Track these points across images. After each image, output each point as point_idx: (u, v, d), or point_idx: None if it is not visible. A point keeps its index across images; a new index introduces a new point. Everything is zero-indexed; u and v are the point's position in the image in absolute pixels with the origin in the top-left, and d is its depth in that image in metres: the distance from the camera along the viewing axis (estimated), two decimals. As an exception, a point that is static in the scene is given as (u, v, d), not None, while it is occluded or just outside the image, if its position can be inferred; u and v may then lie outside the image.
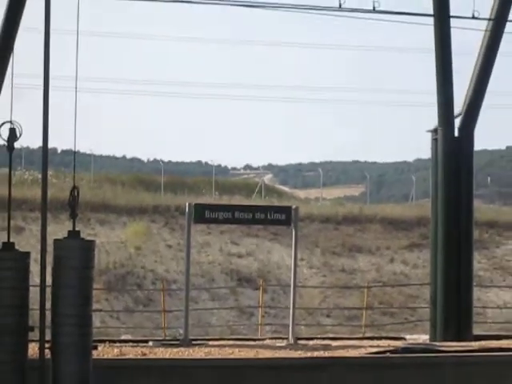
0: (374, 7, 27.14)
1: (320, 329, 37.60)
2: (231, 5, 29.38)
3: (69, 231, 10.23)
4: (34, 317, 9.99)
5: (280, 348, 25.74)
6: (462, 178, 28.13)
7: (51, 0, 10.40)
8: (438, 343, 26.31)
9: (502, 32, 27.68)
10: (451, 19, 27.18)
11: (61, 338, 10.19)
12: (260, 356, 24.00)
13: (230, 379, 20.92)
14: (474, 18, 27.34)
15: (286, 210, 29.37)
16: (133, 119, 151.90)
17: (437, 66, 27.42)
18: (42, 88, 9.97)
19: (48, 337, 10.07)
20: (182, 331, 27.32)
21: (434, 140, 27.96)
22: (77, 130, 10.59)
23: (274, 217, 29.80)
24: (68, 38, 10.83)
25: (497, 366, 23.07)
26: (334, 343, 27.48)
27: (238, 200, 47.52)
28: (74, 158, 11.01)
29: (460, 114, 27.73)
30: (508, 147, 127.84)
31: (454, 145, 27.80)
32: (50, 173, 9.54)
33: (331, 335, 33.11)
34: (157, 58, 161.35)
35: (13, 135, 10.38)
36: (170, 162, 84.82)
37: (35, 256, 10.09)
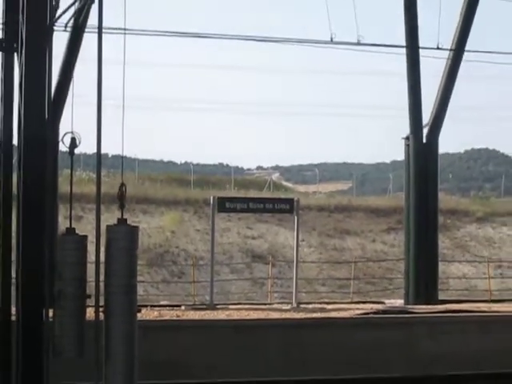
0: (358, 40, 27.10)
1: (317, 295, 37.39)
2: (229, 39, 29.52)
3: (118, 219, 10.15)
4: (90, 287, 9.91)
5: (285, 311, 25.65)
6: (429, 175, 28.02)
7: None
8: (410, 306, 26.21)
9: (461, 60, 27.57)
10: (420, 49, 27.08)
11: (112, 303, 10.08)
12: (269, 317, 23.95)
13: (245, 335, 20.84)
14: (438, 48, 27.24)
15: (290, 201, 29.33)
16: (168, 130, 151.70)
17: (408, 87, 27.32)
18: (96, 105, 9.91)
19: (102, 302, 9.99)
20: (208, 297, 27.20)
21: (407, 145, 27.85)
22: (124, 138, 10.55)
23: (280, 206, 29.86)
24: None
25: (458, 323, 22.96)
26: (328, 307, 27.38)
27: (251, 194, 47.30)
28: (122, 161, 10.96)
29: (427, 125, 27.61)
30: (465, 151, 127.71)
31: (423, 149, 27.68)
32: (102, 173, 9.46)
33: (326, 300, 32.93)
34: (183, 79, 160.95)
35: (73, 143, 10.31)
36: (198, 163, 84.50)
37: (91, 238, 10.01)
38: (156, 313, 22.94)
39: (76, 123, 10.41)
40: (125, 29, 10.84)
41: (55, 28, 10.62)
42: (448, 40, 27.36)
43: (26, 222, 9.98)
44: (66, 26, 15.83)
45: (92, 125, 10.11)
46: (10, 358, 13.45)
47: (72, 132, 10.26)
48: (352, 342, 20.81)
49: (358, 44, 27.34)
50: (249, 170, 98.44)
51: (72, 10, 11.38)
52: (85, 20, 14.99)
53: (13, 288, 11.98)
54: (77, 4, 11.04)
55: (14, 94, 12.40)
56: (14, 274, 11.29)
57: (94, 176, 10.43)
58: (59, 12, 10.65)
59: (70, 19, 13.57)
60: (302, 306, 27.03)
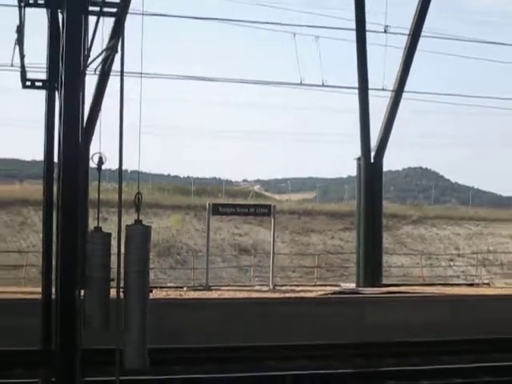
0: (322, 82, 27.13)
1: (288, 280, 37.41)
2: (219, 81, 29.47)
3: (135, 220, 10.14)
4: (113, 272, 9.91)
5: (264, 291, 25.65)
6: (375, 187, 28.04)
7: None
8: (360, 288, 26.23)
9: (400, 99, 27.62)
10: (369, 90, 27.12)
11: (129, 285, 10.07)
12: (252, 296, 23.95)
13: (233, 310, 20.84)
14: (383, 89, 27.29)
15: (268, 207, 29.33)
16: (173, 152, 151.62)
17: (360, 119, 27.33)
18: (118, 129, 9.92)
19: (122, 284, 9.99)
20: (204, 281, 27.17)
21: (359, 164, 27.86)
22: (140, 158, 10.58)
23: (260, 211, 29.92)
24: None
25: (397, 302, 23.02)
26: (297, 288, 27.39)
27: (238, 201, 47.33)
28: (138, 175, 10.96)
29: (374, 148, 27.64)
30: (403, 168, 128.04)
31: (371, 167, 27.69)
32: (123, 184, 9.50)
33: (296, 283, 32.94)
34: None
35: (100, 161, 10.29)
36: (197, 177, 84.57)
37: (114, 235, 10.02)
38: (164, 293, 22.94)
39: (103, 146, 10.41)
40: (141, 73, 10.80)
41: (87, 72, 10.59)
42: (391, 83, 27.47)
43: (64, 222, 9.97)
44: (95, 71, 15.78)
45: (115, 147, 10.13)
46: (50, 329, 13.44)
47: (99, 153, 10.25)
48: (316, 316, 20.84)
49: (323, 85, 27.37)
50: (236, 182, 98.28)
51: (100, 59, 11.35)
52: (110, 66, 14.96)
53: (53, 273, 11.99)
54: (104, 53, 11.03)
55: (54, 123, 12.39)
56: (53, 263, 11.27)
57: (117, 186, 10.38)
58: (90, 60, 10.62)
59: (99, 65, 13.52)
60: (277, 287, 27.07)
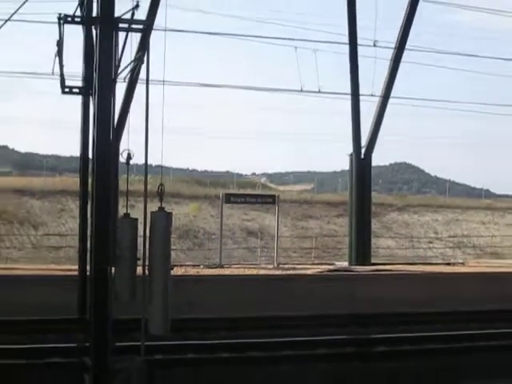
0: (319, 89, 27.13)
1: (290, 259, 37.42)
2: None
3: (158, 207, 10.14)
4: (139, 253, 9.91)
5: (269, 269, 25.66)
6: (365, 180, 28.00)
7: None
8: (352, 266, 26.23)
9: (387, 103, 27.55)
10: (360, 96, 27.08)
11: (154, 263, 10.09)
12: (259, 273, 23.97)
13: (242, 284, 20.87)
14: (372, 95, 27.26)
15: (273, 196, 29.53)
16: (192, 149, 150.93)
17: (352, 121, 27.29)
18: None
19: (147, 263, 10.00)
20: (218, 260, 27.19)
21: (351, 160, 27.80)
22: (163, 154, 10.58)
23: (266, 200, 30.09)
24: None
25: (383, 278, 23.05)
26: (298, 266, 27.40)
27: (247, 191, 47.45)
28: (161, 169, 10.97)
29: (364, 146, 27.58)
30: (390, 164, 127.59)
31: (361, 162, 27.62)
32: (148, 177, 9.49)
33: (296, 262, 32.96)
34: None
35: (129, 157, 10.28)
36: (212, 171, 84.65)
37: (141, 220, 10.03)
38: (183, 269, 22.97)
39: (131, 144, 10.40)
40: (164, 81, 10.79)
41: (117, 80, 10.58)
42: (379, 89, 27.41)
43: (97, 209, 9.97)
44: (124, 79, 15.76)
45: (141, 144, 10.12)
46: (85, 302, 13.46)
47: (128, 149, 10.24)
48: (313, 290, 20.83)
49: (319, 92, 27.35)
50: (246, 175, 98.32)
51: (128, 68, 11.34)
52: (137, 74, 14.95)
53: (88, 254, 12.00)
54: (132, 64, 11.01)
55: (89, 124, 12.38)
56: (88, 244, 11.27)
57: (143, 178, 10.36)
58: (120, 69, 10.61)
59: (127, 74, 13.52)
60: (281, 265, 27.09)
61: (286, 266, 27.23)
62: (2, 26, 11.60)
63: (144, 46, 10.44)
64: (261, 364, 13.27)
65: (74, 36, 13.82)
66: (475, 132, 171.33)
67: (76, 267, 16.29)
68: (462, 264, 30.74)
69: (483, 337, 15.71)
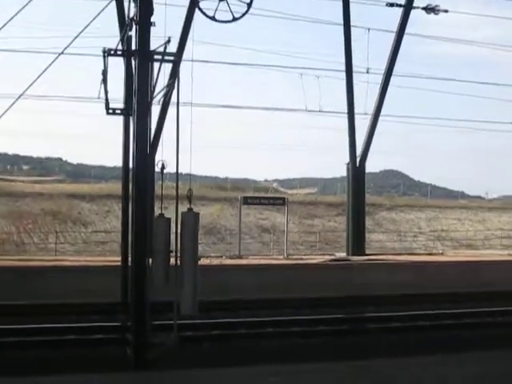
0: (320, 109, 27.16)
1: (297, 251, 37.24)
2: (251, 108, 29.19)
3: (188, 208, 10.12)
4: (172, 246, 9.90)
5: (280, 259, 25.64)
6: (360, 184, 27.90)
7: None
8: (349, 257, 26.16)
9: (377, 121, 27.46)
10: (355, 115, 27.04)
11: (184, 255, 10.07)
12: (271, 263, 23.94)
13: (258, 272, 20.83)
14: (365, 114, 27.21)
15: (283, 199, 29.51)
16: (217, 158, 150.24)
17: (349, 135, 27.23)
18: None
19: (178, 255, 9.99)
20: (237, 252, 27.20)
21: (348, 168, 27.71)
22: (191, 163, 10.61)
23: (277, 201, 30.04)
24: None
25: (376, 266, 22.97)
26: (304, 257, 27.39)
27: (261, 194, 47.42)
28: (189, 177, 10.96)
29: (359, 156, 27.49)
30: (380, 170, 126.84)
31: (356, 170, 27.52)
32: (179, 183, 9.49)
33: (303, 254, 32.89)
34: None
35: (163, 167, 10.28)
36: (232, 177, 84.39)
37: (173, 219, 10.03)
38: (208, 260, 22.93)
39: (164, 155, 10.43)
40: (191, 103, 10.80)
41: (152, 103, 10.61)
42: (372, 108, 27.36)
43: (137, 210, 9.99)
44: (158, 102, 15.81)
45: (173, 156, 10.13)
46: (127, 287, 13.46)
47: (162, 160, 10.24)
48: (317, 276, 20.79)
49: (320, 111, 27.35)
50: (260, 181, 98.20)
51: (162, 93, 11.35)
52: (169, 98, 14.95)
53: (129, 247, 12.01)
54: (164, 89, 11.02)
55: (129, 139, 12.40)
56: (129, 240, 11.29)
57: (175, 184, 10.35)
58: (155, 94, 10.62)
59: (161, 98, 13.54)
60: (290, 256, 27.06)
61: (294, 257, 27.21)
62: (56, 58, 11.68)
63: (175, 75, 10.44)
64: (273, 338, 13.22)
65: (116, 66, 13.86)
66: (453, 144, 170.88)
67: (119, 259, 16.30)
68: (442, 254, 30.67)
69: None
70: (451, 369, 8.97)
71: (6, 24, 11.91)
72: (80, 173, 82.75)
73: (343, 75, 26.73)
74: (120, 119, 15.29)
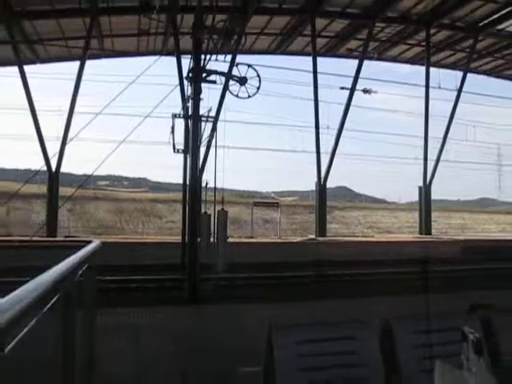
0: (327, 127, 27.33)
1: (286, 234, 36.55)
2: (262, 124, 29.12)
3: (221, 208, 10.11)
4: (212, 231, 9.88)
5: (276, 239, 25.38)
6: (323, 195, 27.70)
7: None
8: (317, 238, 25.85)
9: (334, 156, 27.24)
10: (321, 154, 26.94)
11: (219, 236, 10.05)
12: (270, 241, 23.70)
13: (263, 246, 20.61)
14: (326, 152, 27.09)
15: (277, 203, 29.69)
16: (236, 177, 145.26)
17: (316, 166, 27.02)
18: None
19: (216, 236, 9.97)
20: (250, 234, 26.97)
21: (316, 184, 27.58)
22: (224, 180, 10.55)
23: (274, 204, 29.84)
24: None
25: (333, 243, 22.57)
26: (290, 238, 27.09)
27: (264, 200, 47.01)
28: (222, 191, 10.95)
29: (322, 177, 27.34)
30: (335, 186, 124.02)
31: (321, 186, 27.41)
32: (217, 193, 9.53)
33: (290, 235, 32.50)
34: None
35: (206, 184, 10.27)
36: (247, 190, 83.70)
37: (212, 215, 10.03)
38: (232, 239, 22.48)
39: (207, 177, 10.41)
40: (224, 146, 10.82)
41: (201, 145, 10.55)
42: (330, 148, 27.13)
43: (191, 210, 9.93)
44: (205, 145, 15.68)
45: (212, 177, 10.09)
46: (185, 254, 13.30)
47: (206, 180, 10.25)
48: (298, 250, 20.47)
49: (327, 128, 27.37)
50: (263, 192, 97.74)
51: (206, 140, 11.32)
52: (211, 142, 14.90)
53: (186, 231, 11.90)
54: (208, 137, 11.01)
55: (187, 167, 12.36)
56: (186, 227, 11.18)
57: (213, 194, 10.28)
58: (202, 140, 10.59)
59: (206, 142, 13.44)
60: (282, 237, 26.84)
61: (284, 238, 26.99)
62: (142, 121, 11.71)
63: (214, 129, 10.47)
64: (274, 287, 12.98)
65: (180, 124, 13.93)
66: (379, 170, 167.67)
67: (180, 238, 16.19)
68: (372, 237, 30.33)
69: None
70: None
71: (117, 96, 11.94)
72: (157, 187, 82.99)
73: (313, 129, 26.74)
74: (181, 155, 15.30)
